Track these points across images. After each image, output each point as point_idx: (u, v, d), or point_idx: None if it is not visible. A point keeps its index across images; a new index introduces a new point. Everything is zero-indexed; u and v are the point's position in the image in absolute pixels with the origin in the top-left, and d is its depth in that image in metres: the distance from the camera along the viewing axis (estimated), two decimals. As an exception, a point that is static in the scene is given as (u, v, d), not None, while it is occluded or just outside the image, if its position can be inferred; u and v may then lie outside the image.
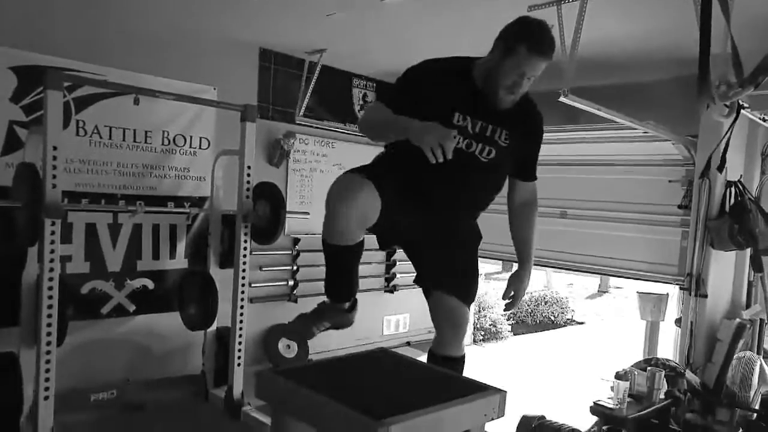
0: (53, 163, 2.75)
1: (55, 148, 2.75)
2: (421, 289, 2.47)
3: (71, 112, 3.61)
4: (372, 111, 2.31)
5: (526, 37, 1.97)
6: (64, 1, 3.54)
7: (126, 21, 3.79)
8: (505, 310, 2.47)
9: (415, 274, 2.48)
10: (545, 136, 4.29)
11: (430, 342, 2.46)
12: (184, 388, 3.82)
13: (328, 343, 5.01)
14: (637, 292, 4.63)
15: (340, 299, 2.31)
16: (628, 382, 3.09)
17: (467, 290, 2.34)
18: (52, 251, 2.79)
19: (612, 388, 3.13)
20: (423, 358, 2.47)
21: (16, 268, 3.12)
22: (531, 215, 2.34)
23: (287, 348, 4.75)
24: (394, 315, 5.71)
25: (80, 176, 3.68)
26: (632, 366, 3.43)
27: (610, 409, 3.04)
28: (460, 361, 2.33)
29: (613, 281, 13.86)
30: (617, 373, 3.12)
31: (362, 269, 5.50)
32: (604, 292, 13.79)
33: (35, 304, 2.89)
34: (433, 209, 2.17)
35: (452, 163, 1.91)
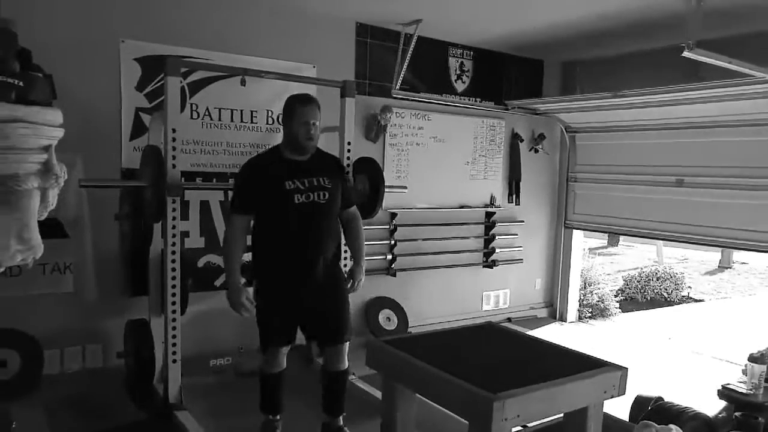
0: (173, 144, 2.93)
1: (174, 131, 2.93)
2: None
3: (186, 97, 3.83)
4: (228, 230, 2.80)
5: (293, 99, 2.70)
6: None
7: (227, 5, 3.93)
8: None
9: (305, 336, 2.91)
10: (659, 97, 4.04)
11: (531, 319, 2.43)
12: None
13: (427, 317, 5.05)
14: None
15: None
16: (765, 366, 2.81)
17: (347, 331, 2.83)
18: (174, 227, 2.99)
19: (744, 372, 2.87)
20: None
21: (145, 244, 3.40)
22: (358, 227, 2.91)
23: (387, 320, 4.82)
24: (493, 291, 5.63)
25: (195, 157, 3.90)
26: None
27: (744, 394, 2.79)
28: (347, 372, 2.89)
29: (736, 256, 12.77)
30: (751, 355, 2.85)
31: (459, 243, 5.48)
32: (726, 267, 12.70)
33: (160, 276, 3.13)
34: (307, 259, 2.67)
35: (302, 216, 2.60)
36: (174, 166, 2.94)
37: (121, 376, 3.51)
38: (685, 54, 2.83)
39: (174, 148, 2.94)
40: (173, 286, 3.02)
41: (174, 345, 3.04)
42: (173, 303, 3.03)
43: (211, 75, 3.87)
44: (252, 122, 4.11)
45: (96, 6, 3.57)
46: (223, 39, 3.94)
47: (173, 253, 3.01)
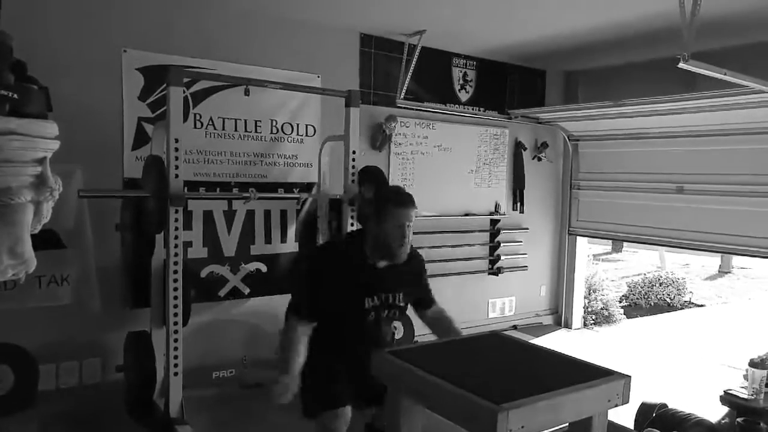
0: (175, 154, 2.93)
1: (176, 141, 2.93)
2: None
3: (189, 107, 3.83)
4: (286, 335, 2.38)
5: (385, 199, 2.37)
6: (172, 2, 3.75)
7: (230, 15, 3.95)
8: None
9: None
10: (658, 106, 4.05)
11: (537, 326, 2.44)
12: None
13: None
14: (772, 272, 4.23)
15: None
16: (766, 371, 2.81)
17: None
18: (176, 237, 2.98)
19: (745, 377, 2.87)
20: (532, 342, 2.40)
21: (147, 254, 3.39)
22: (447, 324, 2.58)
23: (393, 329, 4.80)
24: (499, 298, 5.62)
25: (198, 166, 3.90)
26: None
27: (745, 399, 2.79)
28: None
29: (736, 261, 12.77)
30: (752, 360, 2.85)
31: (465, 251, 5.50)
32: (726, 272, 12.73)
33: (163, 286, 3.12)
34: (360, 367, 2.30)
35: (368, 326, 2.37)
36: (177, 175, 2.94)
37: (121, 391, 3.42)
38: (681, 65, 2.85)
39: (177, 158, 2.93)
40: (175, 297, 3.00)
41: (176, 357, 3.01)
42: (175, 314, 3.00)
43: (215, 84, 3.88)
44: (256, 131, 4.12)
45: (98, 16, 3.58)
46: (226, 49, 3.95)
47: (176, 263, 3.00)
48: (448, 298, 5.36)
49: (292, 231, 4.26)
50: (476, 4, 3.74)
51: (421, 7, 3.78)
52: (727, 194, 4.47)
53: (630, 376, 1.81)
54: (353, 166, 3.50)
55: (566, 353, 2.09)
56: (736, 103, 3.96)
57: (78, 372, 3.68)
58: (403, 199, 2.33)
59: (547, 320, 5.97)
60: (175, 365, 3.01)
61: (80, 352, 3.68)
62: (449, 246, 5.10)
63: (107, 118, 3.64)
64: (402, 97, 4.63)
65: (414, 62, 4.53)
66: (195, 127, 3.89)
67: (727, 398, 2.89)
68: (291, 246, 4.25)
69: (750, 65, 3.49)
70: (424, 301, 2.60)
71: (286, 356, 2.28)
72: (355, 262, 2.36)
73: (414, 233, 2.38)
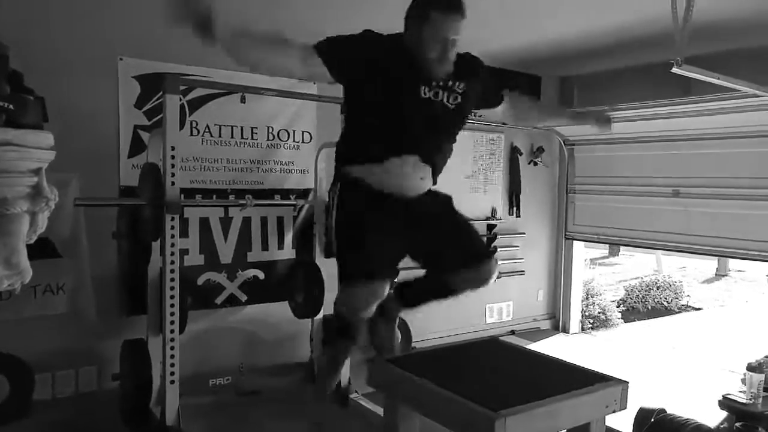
0: (171, 162, 2.92)
1: (173, 148, 2.92)
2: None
3: (186, 114, 3.84)
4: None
5: (433, 2, 1.97)
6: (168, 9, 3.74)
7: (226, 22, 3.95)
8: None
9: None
10: (654, 110, 4.05)
11: (535, 331, 2.42)
12: (294, 374, 3.96)
13: (431, 332, 5.03)
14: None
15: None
16: (763, 375, 2.82)
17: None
18: (173, 245, 2.97)
19: (743, 381, 2.87)
20: (529, 347, 2.41)
21: (143, 262, 3.38)
22: (523, 99, 2.46)
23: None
24: (496, 303, 5.61)
25: (194, 173, 3.91)
26: (766, 357, 3.12)
27: (743, 404, 2.80)
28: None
29: (732, 264, 12.80)
30: (749, 364, 2.85)
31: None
32: (723, 275, 12.76)
33: (159, 294, 3.11)
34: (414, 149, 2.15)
35: (424, 116, 2.07)
36: (173, 183, 2.93)
37: (117, 399, 3.41)
38: (674, 70, 2.86)
39: (173, 166, 2.93)
40: (172, 305, 2.99)
41: (172, 365, 2.99)
42: (172, 322, 2.99)
43: (211, 92, 3.88)
44: (252, 138, 4.12)
45: (94, 24, 3.58)
46: (222, 56, 3.92)
47: (172, 271, 2.99)
48: (446, 303, 5.40)
49: (288, 237, 4.26)
50: (470, 12, 3.74)
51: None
52: (723, 197, 4.46)
53: (627, 382, 1.81)
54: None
55: (564, 359, 2.10)
56: (731, 107, 3.97)
57: (74, 381, 3.67)
58: (451, 3, 1.97)
59: (545, 325, 5.97)
60: (172, 373, 3.00)
61: (76, 361, 3.67)
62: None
63: (103, 126, 3.65)
64: (397, 102, 4.63)
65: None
66: (191, 135, 3.89)
67: (726, 403, 2.89)
68: (288, 252, 4.25)
69: (742, 69, 3.51)
70: (491, 97, 2.40)
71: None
72: (402, 50, 2.09)
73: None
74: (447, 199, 2.39)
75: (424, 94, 2.09)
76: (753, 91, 3.28)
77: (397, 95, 2.07)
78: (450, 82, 2.14)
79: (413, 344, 4.75)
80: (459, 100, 2.16)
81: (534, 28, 4.14)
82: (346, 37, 2.12)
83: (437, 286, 2.38)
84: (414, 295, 2.45)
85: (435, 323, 5.10)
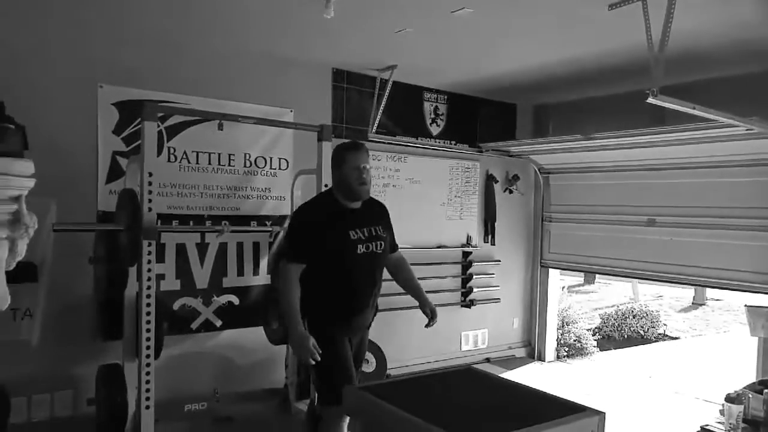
0: (149, 188, 2.96)
1: (150, 174, 2.97)
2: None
3: (164, 140, 3.88)
4: (284, 281, 2.65)
5: (341, 147, 2.74)
6: (148, 38, 3.81)
7: (203, 51, 4.03)
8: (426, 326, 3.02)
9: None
10: (629, 140, 4.15)
11: (510, 359, 2.46)
12: (269, 400, 3.94)
13: (406, 359, 5.03)
14: (746, 305, 4.25)
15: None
16: (742, 406, 2.82)
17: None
18: (149, 270, 2.99)
19: (722, 412, 2.86)
20: (504, 375, 2.43)
21: (120, 287, 3.37)
22: (409, 266, 3.08)
23: (366, 362, 4.78)
24: (471, 330, 5.64)
25: (171, 199, 3.93)
26: (745, 388, 3.04)
27: (722, 435, 2.79)
28: None
29: (709, 293, 12.88)
30: (728, 395, 2.81)
31: (437, 283, 5.50)
32: (700, 304, 12.86)
33: (135, 319, 3.10)
34: (362, 306, 2.75)
35: (362, 267, 2.67)
36: (150, 209, 2.96)
37: (92, 424, 3.41)
38: (650, 100, 2.91)
39: (150, 192, 2.97)
40: (148, 330, 3.00)
41: (148, 390, 2.99)
42: (148, 347, 3.00)
43: (189, 119, 3.93)
44: (229, 165, 4.16)
45: (74, 52, 3.63)
46: (201, 84, 4.01)
47: (148, 296, 3.00)
48: (421, 330, 5.38)
49: (264, 263, 4.27)
50: (446, 41, 3.87)
51: (391, 43, 3.90)
52: (699, 227, 4.52)
53: (604, 413, 1.81)
54: (326, 199, 3.53)
55: (540, 388, 2.11)
56: (706, 137, 4.05)
57: (49, 405, 3.62)
58: (356, 145, 2.73)
59: (520, 353, 6.00)
60: (147, 398, 3.00)
61: (52, 385, 3.63)
62: (421, 278, 5.10)
63: (82, 152, 3.67)
64: (374, 131, 4.73)
65: (386, 96, 4.65)
66: (169, 161, 3.92)
67: (705, 434, 2.88)
68: (263, 278, 4.26)
69: (716, 100, 3.54)
70: (391, 245, 2.91)
71: (293, 312, 2.54)
72: (333, 208, 2.70)
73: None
74: None
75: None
76: (728, 120, 3.36)
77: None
78: (373, 230, 2.74)
79: (388, 372, 4.74)
80: (382, 246, 2.78)
81: (509, 57, 4.24)
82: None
83: None
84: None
85: (410, 351, 5.11)
